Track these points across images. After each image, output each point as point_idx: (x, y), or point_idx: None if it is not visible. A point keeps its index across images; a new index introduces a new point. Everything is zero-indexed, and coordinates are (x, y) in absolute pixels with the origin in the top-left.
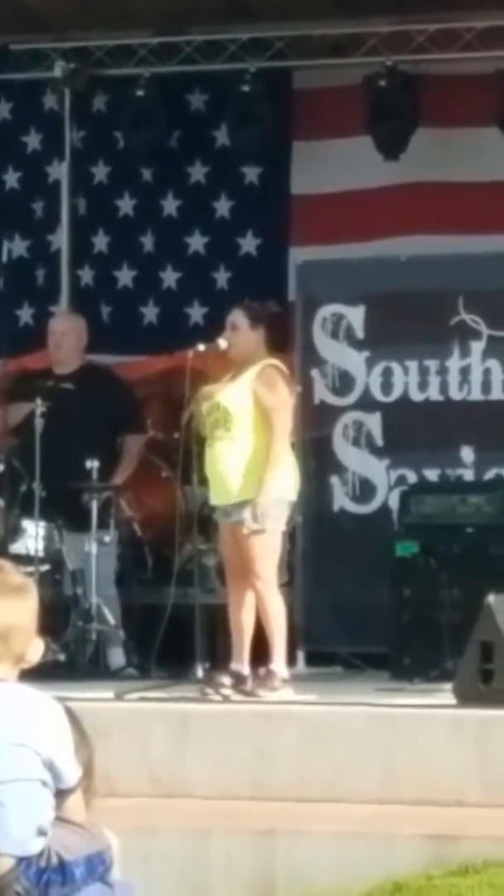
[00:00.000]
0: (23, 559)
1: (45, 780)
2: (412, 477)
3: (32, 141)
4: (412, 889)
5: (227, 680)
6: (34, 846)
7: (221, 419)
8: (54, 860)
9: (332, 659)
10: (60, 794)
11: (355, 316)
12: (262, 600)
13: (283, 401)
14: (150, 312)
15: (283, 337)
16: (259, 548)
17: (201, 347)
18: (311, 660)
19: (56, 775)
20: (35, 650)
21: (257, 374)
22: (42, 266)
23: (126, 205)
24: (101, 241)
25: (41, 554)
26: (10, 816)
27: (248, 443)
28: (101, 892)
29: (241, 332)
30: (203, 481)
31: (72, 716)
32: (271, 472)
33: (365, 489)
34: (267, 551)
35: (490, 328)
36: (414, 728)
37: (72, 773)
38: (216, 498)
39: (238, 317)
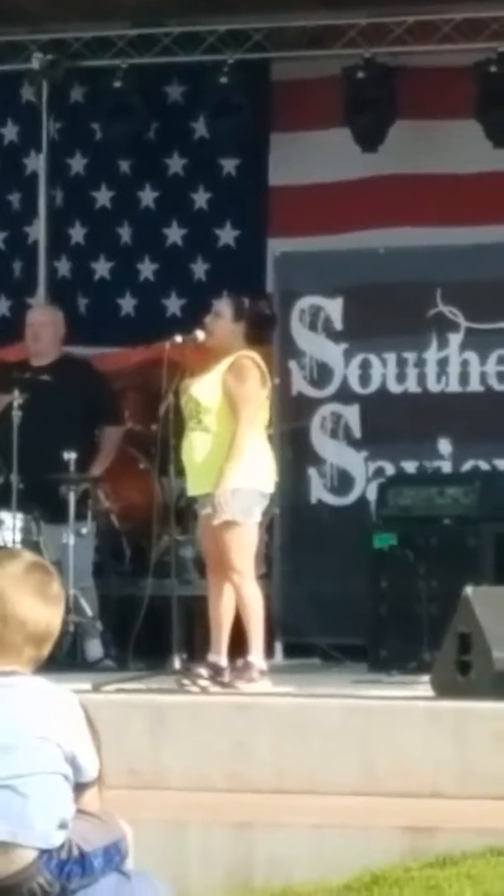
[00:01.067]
0: None
1: (67, 774)
2: (390, 469)
3: (9, 132)
4: (389, 881)
5: (204, 671)
6: (56, 839)
7: (194, 411)
8: (75, 852)
9: (310, 651)
10: (80, 788)
11: (333, 308)
12: (239, 592)
13: (250, 392)
14: (128, 304)
15: (268, 335)
16: (232, 540)
17: (179, 339)
18: (289, 651)
19: (77, 769)
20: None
21: (229, 366)
22: (19, 258)
23: (103, 196)
24: (78, 233)
25: (18, 546)
26: (32, 809)
27: (219, 434)
28: (118, 881)
29: (222, 320)
30: (180, 473)
31: (82, 706)
32: (231, 463)
33: (343, 481)
34: (241, 543)
35: (468, 320)
36: (391, 720)
37: (92, 767)
38: (193, 489)
39: (223, 305)
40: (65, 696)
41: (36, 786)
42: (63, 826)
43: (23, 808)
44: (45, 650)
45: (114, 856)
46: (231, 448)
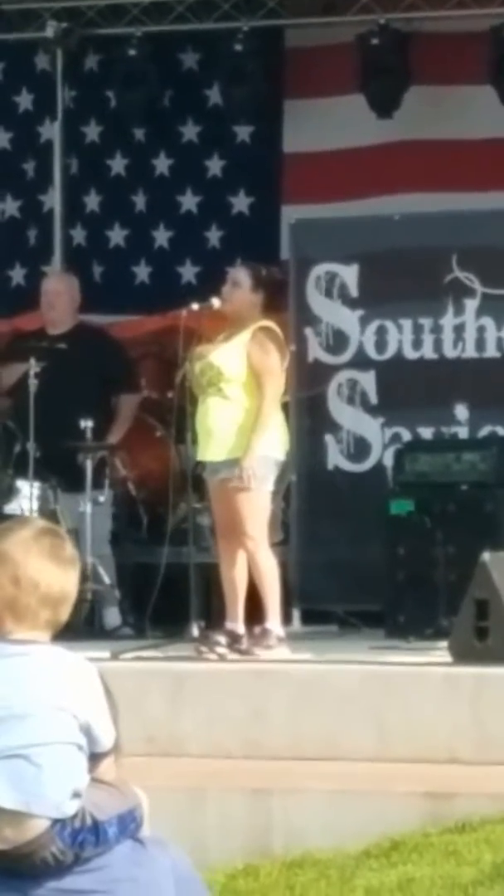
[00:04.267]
0: None
1: (81, 744)
2: (406, 435)
3: (24, 101)
4: (409, 846)
5: (222, 639)
6: (69, 808)
7: (214, 379)
8: (88, 821)
9: (328, 617)
10: (95, 758)
11: (349, 274)
12: (253, 559)
13: (275, 364)
14: (143, 272)
15: (281, 301)
16: (247, 507)
17: (195, 307)
18: (307, 618)
19: (92, 739)
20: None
21: (251, 336)
22: (34, 226)
23: (118, 164)
24: (93, 201)
25: (36, 514)
26: (46, 779)
27: (240, 403)
28: (132, 849)
29: (241, 290)
30: (197, 440)
31: (100, 676)
32: (257, 433)
33: (359, 447)
34: (255, 510)
35: (484, 286)
36: (409, 686)
37: (107, 738)
38: (205, 454)
39: (241, 274)
40: (82, 665)
41: (50, 755)
42: (76, 795)
43: (36, 778)
44: (63, 614)
45: (129, 824)
46: (258, 419)
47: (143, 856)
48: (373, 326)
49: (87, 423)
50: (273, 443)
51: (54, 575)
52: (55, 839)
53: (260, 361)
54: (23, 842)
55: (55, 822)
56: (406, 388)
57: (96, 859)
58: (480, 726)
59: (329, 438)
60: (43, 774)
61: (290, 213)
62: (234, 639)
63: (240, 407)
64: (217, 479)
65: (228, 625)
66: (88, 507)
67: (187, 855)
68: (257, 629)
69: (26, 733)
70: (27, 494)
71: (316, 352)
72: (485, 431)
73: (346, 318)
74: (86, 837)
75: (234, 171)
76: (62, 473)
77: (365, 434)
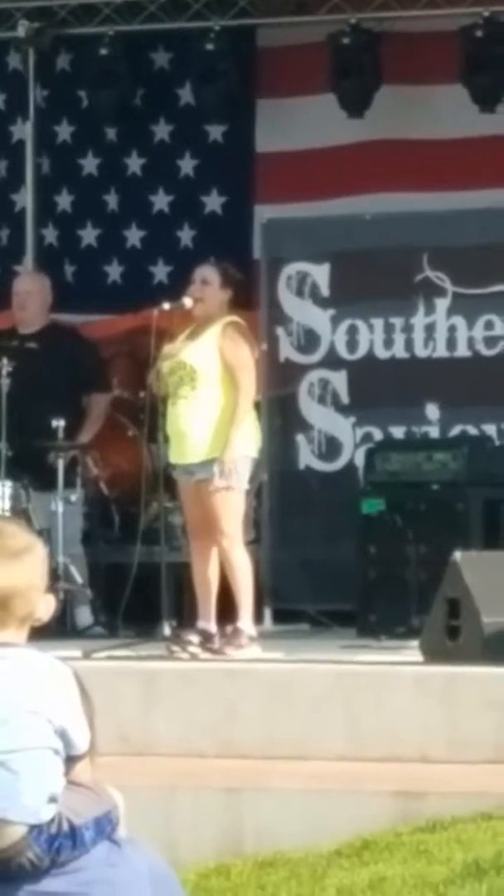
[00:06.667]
0: None
1: (57, 748)
2: (378, 434)
3: None
4: (380, 845)
5: (194, 638)
6: (46, 814)
7: (187, 377)
8: (65, 826)
9: (299, 616)
10: (71, 761)
11: (320, 274)
12: (228, 557)
13: (248, 359)
14: (115, 271)
15: (247, 297)
16: (225, 505)
17: (166, 306)
18: (278, 617)
19: (67, 743)
20: (46, 607)
21: (221, 332)
22: (6, 225)
23: (90, 164)
24: (64, 201)
25: (7, 513)
26: (22, 785)
27: (214, 401)
28: (108, 850)
29: (212, 287)
30: (168, 441)
31: (76, 676)
32: (237, 429)
33: (331, 447)
34: (231, 508)
35: (455, 285)
36: (380, 685)
37: (82, 741)
38: (177, 457)
39: (210, 273)
40: (57, 667)
41: (26, 761)
42: (53, 800)
43: (12, 784)
44: (19, 608)
45: (105, 826)
46: (235, 413)
47: (118, 857)
48: (344, 326)
49: (58, 423)
50: (247, 441)
51: None
52: (31, 845)
53: (233, 356)
54: None
55: (31, 827)
56: (377, 387)
57: (72, 862)
58: (452, 725)
59: (300, 438)
60: (19, 781)
61: (263, 213)
62: (206, 638)
63: (212, 406)
64: (193, 480)
65: (200, 624)
66: (60, 507)
67: (160, 855)
68: (229, 628)
69: (2, 739)
70: None
71: (287, 351)
72: (456, 431)
73: (318, 318)
74: (62, 843)
75: (206, 170)
76: (34, 472)
77: (336, 433)
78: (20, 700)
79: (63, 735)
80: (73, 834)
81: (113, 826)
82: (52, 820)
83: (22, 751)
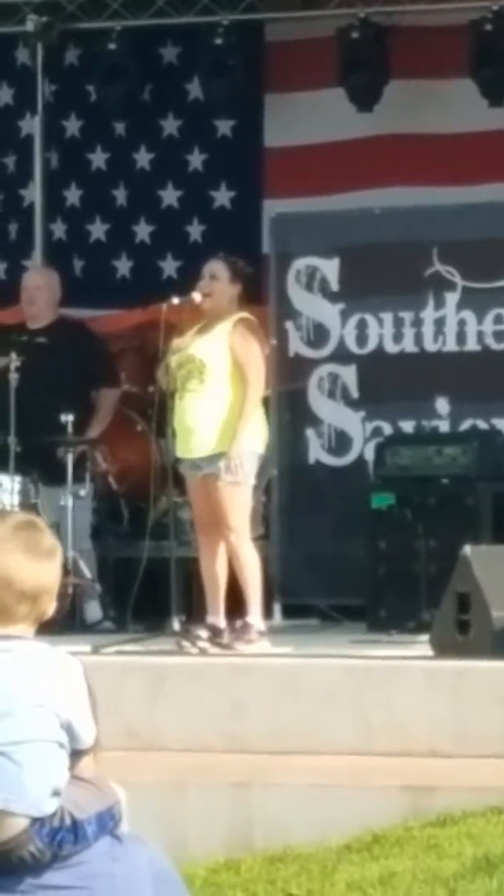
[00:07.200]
0: None
1: (62, 741)
2: (387, 429)
3: (4, 95)
4: (390, 840)
5: (203, 633)
6: (49, 807)
7: (196, 371)
8: (67, 820)
9: (309, 611)
10: (76, 755)
11: (329, 268)
12: (236, 552)
13: (257, 355)
14: (124, 266)
15: (256, 292)
16: (231, 500)
17: (175, 301)
18: (288, 612)
19: (73, 737)
20: (53, 607)
21: (232, 328)
22: (14, 220)
23: (98, 158)
24: (73, 195)
25: (16, 508)
26: (26, 777)
27: (222, 396)
28: (110, 845)
29: (221, 282)
30: (175, 436)
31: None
32: (245, 425)
33: (340, 441)
34: (239, 503)
35: (464, 279)
36: (390, 680)
37: (88, 735)
38: (184, 451)
39: (219, 268)
40: (64, 661)
41: (30, 753)
42: (56, 794)
43: (17, 776)
44: (45, 606)
45: (107, 822)
46: (244, 410)
47: (120, 852)
48: (353, 320)
49: (67, 418)
50: (255, 436)
51: (29, 570)
52: (33, 838)
53: (244, 353)
54: (1, 841)
55: (34, 820)
56: (387, 381)
57: (74, 855)
58: (461, 720)
59: (310, 432)
60: (23, 772)
61: (272, 207)
62: (215, 633)
63: (220, 401)
64: (199, 474)
65: (209, 619)
66: (69, 501)
67: (166, 850)
68: (238, 623)
69: (7, 731)
70: (8, 489)
71: (296, 346)
72: (466, 425)
73: (327, 312)
74: (64, 836)
75: (214, 165)
76: (43, 467)
77: (346, 428)
78: (27, 692)
79: (69, 729)
80: (76, 828)
81: (115, 821)
82: (55, 813)
83: (27, 742)
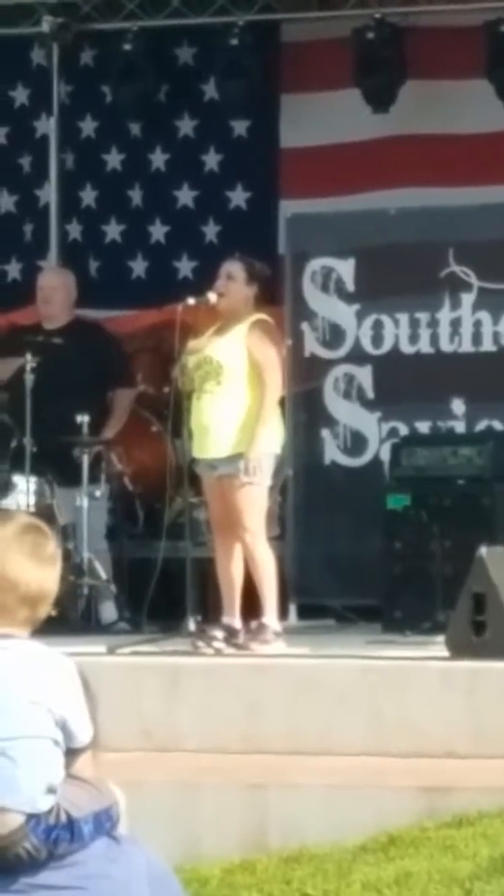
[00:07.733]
0: None
1: (57, 739)
2: (403, 429)
3: (20, 96)
4: (406, 841)
5: (218, 633)
6: (43, 804)
7: (213, 372)
8: (63, 818)
9: (324, 612)
10: (72, 753)
11: (345, 269)
12: (251, 553)
13: (274, 357)
14: (139, 267)
15: (272, 293)
16: (247, 501)
17: (191, 301)
18: (303, 613)
19: (68, 735)
20: (47, 612)
21: (249, 329)
22: (30, 221)
23: (114, 159)
24: (88, 196)
25: (32, 509)
26: (20, 773)
27: (240, 397)
28: (107, 846)
29: (237, 283)
30: (192, 436)
31: (79, 670)
32: (263, 427)
33: (356, 442)
34: (255, 504)
35: (480, 280)
36: (405, 680)
37: (84, 733)
38: (200, 451)
39: (236, 268)
40: (59, 660)
41: (25, 750)
42: (51, 791)
43: (11, 772)
44: (41, 611)
45: (104, 822)
46: (262, 412)
47: (117, 853)
48: (369, 321)
49: (83, 418)
50: (271, 438)
51: (33, 574)
52: (29, 835)
53: (261, 354)
54: None
55: (29, 817)
56: (403, 382)
57: (71, 855)
58: (477, 720)
59: (326, 433)
60: (18, 769)
61: (287, 208)
62: (230, 633)
63: (237, 402)
64: (215, 475)
65: (225, 619)
66: (85, 502)
67: (182, 850)
68: (254, 624)
69: (2, 728)
70: (24, 489)
71: (312, 346)
72: (481, 426)
73: (343, 313)
74: (60, 834)
75: (230, 165)
76: (58, 468)
77: (361, 428)
78: (21, 689)
79: (63, 726)
80: (72, 826)
81: (113, 822)
82: (51, 811)
83: (21, 739)
